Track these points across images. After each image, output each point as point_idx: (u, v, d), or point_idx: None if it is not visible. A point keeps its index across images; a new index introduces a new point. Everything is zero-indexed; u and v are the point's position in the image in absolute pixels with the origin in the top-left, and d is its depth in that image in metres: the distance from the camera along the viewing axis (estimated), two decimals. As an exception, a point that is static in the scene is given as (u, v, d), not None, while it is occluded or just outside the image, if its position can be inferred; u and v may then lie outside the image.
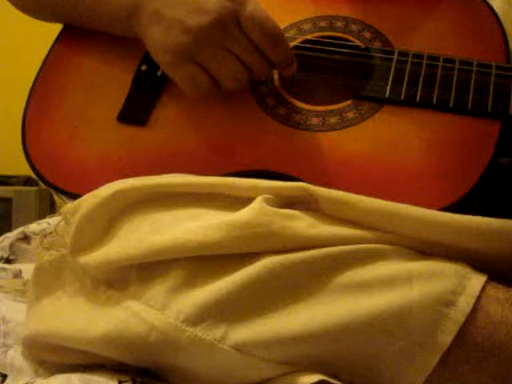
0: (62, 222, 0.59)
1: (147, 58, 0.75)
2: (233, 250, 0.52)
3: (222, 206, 0.56)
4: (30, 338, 0.58)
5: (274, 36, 0.69)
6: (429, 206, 0.56)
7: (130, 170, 0.66)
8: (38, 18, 0.84)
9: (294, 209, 0.55)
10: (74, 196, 0.66)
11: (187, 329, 0.50)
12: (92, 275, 0.55)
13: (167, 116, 0.72)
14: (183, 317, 0.50)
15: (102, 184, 0.59)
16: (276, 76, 0.73)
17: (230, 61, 0.68)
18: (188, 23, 0.67)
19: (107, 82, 0.75)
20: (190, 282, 0.52)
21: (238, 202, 0.55)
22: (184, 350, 0.50)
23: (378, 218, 0.54)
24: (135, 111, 0.73)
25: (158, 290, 0.52)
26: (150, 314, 0.51)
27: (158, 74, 0.74)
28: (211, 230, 0.52)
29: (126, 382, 0.53)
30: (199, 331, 0.50)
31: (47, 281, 0.59)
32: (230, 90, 0.70)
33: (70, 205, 0.59)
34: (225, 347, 0.50)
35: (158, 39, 0.69)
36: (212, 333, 0.50)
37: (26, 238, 0.99)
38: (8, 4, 0.83)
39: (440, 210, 0.57)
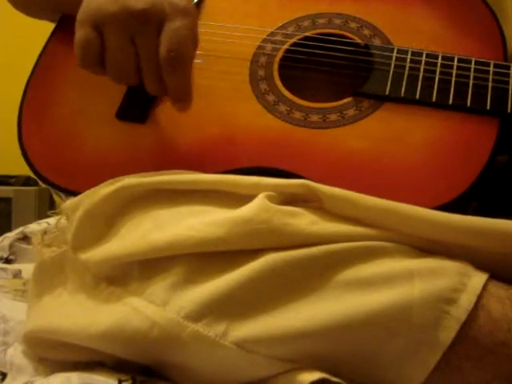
0: (63, 219, 0.59)
1: None
2: (234, 247, 0.52)
3: (224, 203, 0.56)
4: (30, 334, 0.58)
5: (180, 62, 0.64)
6: (428, 202, 0.56)
7: (130, 167, 0.65)
8: (29, 11, 0.84)
9: (296, 206, 0.55)
10: (72, 193, 0.66)
11: (188, 325, 0.50)
12: (93, 272, 0.55)
13: (166, 113, 0.72)
14: (184, 313, 0.50)
15: (101, 181, 0.59)
16: (276, 73, 0.73)
17: (127, 52, 0.65)
18: None
19: (105, 79, 0.75)
20: (191, 279, 0.52)
21: (240, 199, 0.55)
22: (185, 346, 0.50)
23: (379, 216, 0.54)
24: (134, 108, 0.72)
25: (159, 287, 0.52)
26: (152, 310, 0.51)
27: None
28: (213, 227, 0.52)
29: (126, 380, 0.52)
30: (200, 327, 0.50)
31: (48, 277, 0.59)
32: (109, 77, 0.67)
33: (70, 201, 0.58)
34: (226, 343, 0.49)
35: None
36: (213, 329, 0.50)
37: (25, 238, 0.98)
38: (4, 3, 0.83)
39: (439, 206, 0.58)
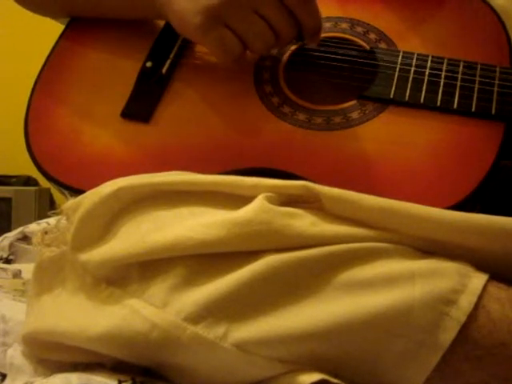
0: (64, 219, 0.58)
1: (153, 55, 0.76)
2: (234, 248, 0.52)
3: (224, 204, 0.56)
4: (29, 335, 0.58)
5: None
6: (431, 206, 0.56)
7: (133, 167, 0.66)
8: (40, 10, 0.84)
9: (296, 207, 0.55)
10: (76, 191, 0.66)
11: (188, 327, 0.50)
12: (93, 273, 0.55)
13: (171, 113, 0.72)
14: (184, 315, 0.50)
15: (105, 180, 0.59)
16: (281, 76, 0.74)
17: (260, 24, 0.68)
18: None
19: (112, 78, 0.76)
20: (191, 280, 0.51)
21: (240, 200, 0.55)
22: (185, 348, 0.50)
23: (380, 216, 0.54)
24: (139, 108, 0.73)
25: (159, 288, 0.52)
26: (151, 311, 0.51)
27: (163, 71, 0.75)
28: (213, 228, 0.52)
29: (125, 381, 0.52)
30: (200, 329, 0.50)
31: (47, 278, 0.58)
32: (258, 52, 0.71)
33: (71, 201, 0.58)
34: (226, 345, 0.49)
35: (186, 5, 0.69)
36: (213, 331, 0.49)
37: (25, 238, 0.98)
38: (9, 2, 0.83)
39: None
